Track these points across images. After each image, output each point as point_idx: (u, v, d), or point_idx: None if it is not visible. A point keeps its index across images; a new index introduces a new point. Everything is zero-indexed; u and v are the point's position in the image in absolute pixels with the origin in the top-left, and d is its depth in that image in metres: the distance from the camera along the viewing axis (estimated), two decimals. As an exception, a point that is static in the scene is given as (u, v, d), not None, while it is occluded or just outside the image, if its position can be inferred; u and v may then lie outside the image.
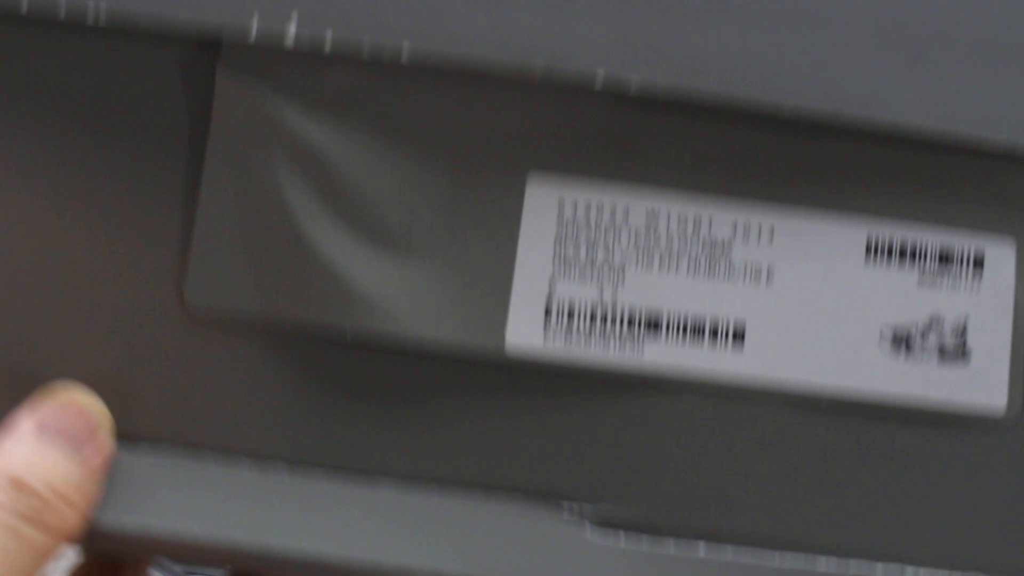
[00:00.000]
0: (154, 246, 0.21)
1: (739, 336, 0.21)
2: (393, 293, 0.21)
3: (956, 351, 0.21)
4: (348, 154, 0.21)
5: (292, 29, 0.20)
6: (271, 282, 0.21)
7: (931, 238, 0.21)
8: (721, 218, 0.21)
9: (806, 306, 0.21)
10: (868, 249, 0.21)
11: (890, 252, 0.21)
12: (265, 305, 0.21)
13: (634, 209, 0.21)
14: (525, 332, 0.21)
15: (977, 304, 0.21)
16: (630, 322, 0.21)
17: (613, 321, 0.21)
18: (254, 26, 0.20)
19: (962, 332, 0.21)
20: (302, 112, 0.21)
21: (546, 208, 0.21)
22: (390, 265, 0.21)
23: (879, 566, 0.21)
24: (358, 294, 0.21)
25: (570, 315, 0.21)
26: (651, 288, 0.21)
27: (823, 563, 0.21)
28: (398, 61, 0.21)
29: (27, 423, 0.20)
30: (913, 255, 0.21)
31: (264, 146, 0.21)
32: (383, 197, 0.21)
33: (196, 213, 0.21)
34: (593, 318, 0.21)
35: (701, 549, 0.21)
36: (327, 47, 0.21)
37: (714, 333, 0.21)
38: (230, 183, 0.21)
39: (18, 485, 0.20)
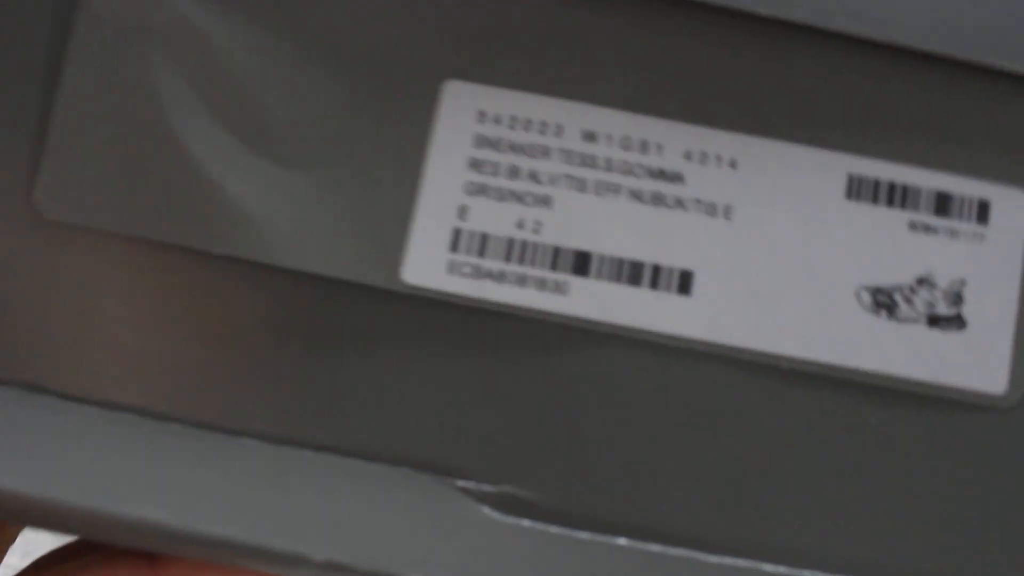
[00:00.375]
0: None
1: (686, 281, 0.18)
2: (274, 212, 0.18)
3: (949, 316, 0.18)
4: (235, 40, 0.18)
5: None
6: (135, 192, 0.18)
7: (927, 180, 0.18)
8: (673, 144, 0.18)
9: (770, 250, 0.18)
10: (850, 187, 0.18)
11: (876, 191, 0.18)
12: (126, 218, 0.18)
13: (568, 127, 0.18)
14: (427, 264, 0.18)
15: (978, 263, 0.18)
16: (554, 258, 0.18)
17: (533, 255, 0.18)
18: None
19: (958, 294, 0.18)
20: None
21: (463, 120, 0.18)
22: (273, 179, 0.18)
23: None
24: (232, 211, 0.18)
25: (482, 247, 0.18)
26: (582, 220, 0.18)
27: (769, 570, 0.18)
28: None
29: None
30: (904, 196, 0.18)
31: (141, 28, 0.18)
32: (271, 98, 0.18)
33: (55, 104, 0.18)
34: (509, 251, 0.18)
35: (621, 543, 0.18)
36: None
37: (655, 276, 0.18)
38: (97, 70, 0.18)
39: None
